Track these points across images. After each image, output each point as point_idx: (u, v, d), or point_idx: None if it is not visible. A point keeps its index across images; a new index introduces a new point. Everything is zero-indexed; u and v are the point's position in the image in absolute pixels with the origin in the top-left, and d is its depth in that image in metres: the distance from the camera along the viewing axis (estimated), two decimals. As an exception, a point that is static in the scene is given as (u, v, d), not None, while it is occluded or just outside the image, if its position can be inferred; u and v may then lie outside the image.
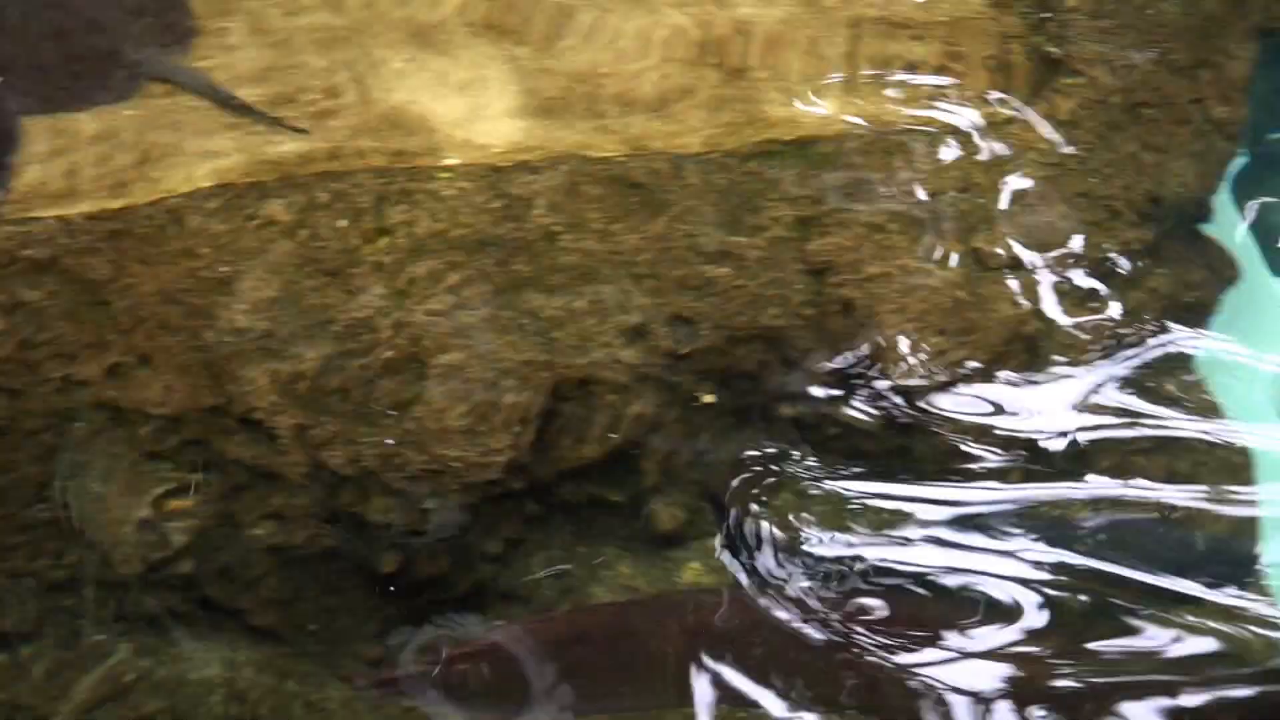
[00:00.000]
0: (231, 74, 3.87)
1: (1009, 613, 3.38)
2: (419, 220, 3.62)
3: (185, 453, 3.45)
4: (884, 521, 3.54)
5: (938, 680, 3.25)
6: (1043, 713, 3.25)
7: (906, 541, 3.51)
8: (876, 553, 3.47)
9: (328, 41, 3.96)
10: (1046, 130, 3.90)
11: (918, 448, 3.61)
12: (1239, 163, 4.19)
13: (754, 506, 3.56)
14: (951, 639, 3.33)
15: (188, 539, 3.43)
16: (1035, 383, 3.65)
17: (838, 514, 3.57)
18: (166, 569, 3.43)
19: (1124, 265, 3.79)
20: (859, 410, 3.62)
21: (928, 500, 3.57)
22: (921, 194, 3.80)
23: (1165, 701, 3.24)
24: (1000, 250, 3.72)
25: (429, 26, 4.01)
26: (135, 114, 3.75)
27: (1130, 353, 3.72)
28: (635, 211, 3.71)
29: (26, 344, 3.44)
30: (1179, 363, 3.76)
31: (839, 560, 3.48)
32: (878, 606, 3.38)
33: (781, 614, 3.33)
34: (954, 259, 3.72)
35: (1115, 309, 3.74)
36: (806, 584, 3.41)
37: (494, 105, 3.89)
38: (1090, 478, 3.58)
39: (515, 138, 3.82)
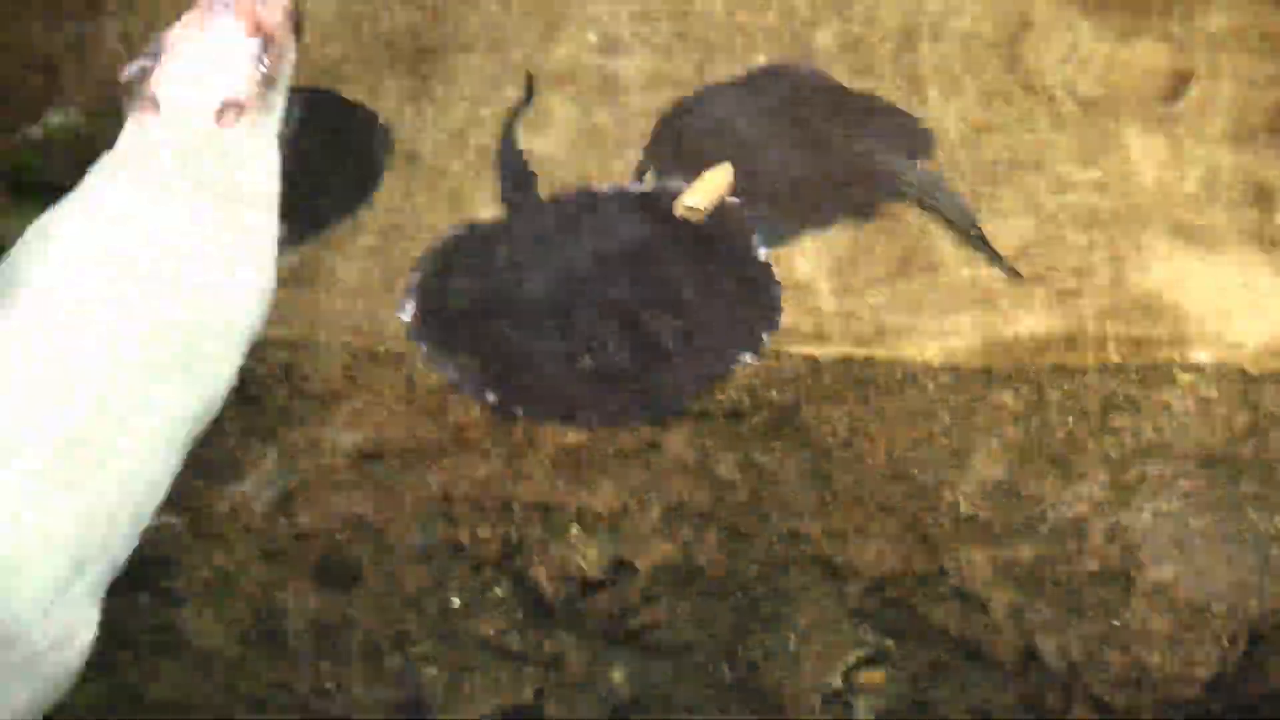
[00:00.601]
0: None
1: None
2: (1145, 427, 3.59)
3: (887, 614, 3.52)
4: None
5: None
6: None
7: None
8: None
9: (1090, 223, 3.98)
10: None
11: None
12: None
13: None
14: None
15: (873, 717, 3.49)
16: None
17: None
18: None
19: None
20: None
21: None
22: None
23: None
24: None
25: (1195, 225, 3.97)
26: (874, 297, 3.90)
27: None
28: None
29: (756, 495, 3.61)
30: None
31: None
32: None
33: None
34: None
35: None
36: None
37: (1255, 303, 3.80)
38: None
39: (1274, 335, 3.74)
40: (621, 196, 4.06)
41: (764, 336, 3.79)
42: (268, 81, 3.56)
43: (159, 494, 3.20)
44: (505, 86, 4.28)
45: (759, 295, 3.87)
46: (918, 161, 4.09)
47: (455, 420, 3.70)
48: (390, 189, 4.10)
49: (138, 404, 3.15)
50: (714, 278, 3.90)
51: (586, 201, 4.05)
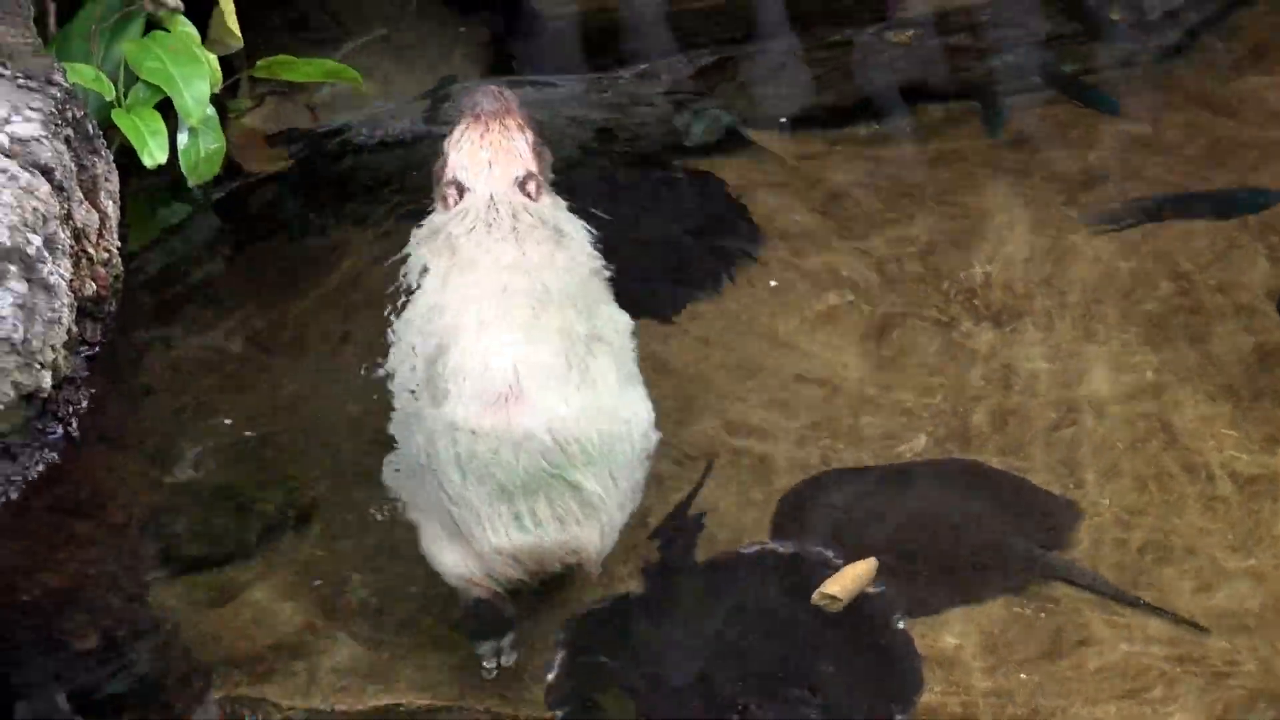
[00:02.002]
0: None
1: None
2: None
3: None
4: None
5: None
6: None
7: None
8: None
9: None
10: None
11: None
12: None
13: None
14: None
15: None
16: None
17: None
18: None
19: None
20: None
21: None
22: None
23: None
24: None
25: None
26: (1026, 678, 3.86)
27: None
28: None
29: None
30: None
31: None
32: None
33: None
34: None
35: None
36: None
37: None
38: None
39: None
40: (763, 558, 4.09)
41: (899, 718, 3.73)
42: (544, 167, 4.22)
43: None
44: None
45: (896, 671, 3.83)
46: (1054, 550, 4.11)
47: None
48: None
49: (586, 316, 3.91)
50: (850, 650, 3.87)
51: (730, 565, 4.08)
